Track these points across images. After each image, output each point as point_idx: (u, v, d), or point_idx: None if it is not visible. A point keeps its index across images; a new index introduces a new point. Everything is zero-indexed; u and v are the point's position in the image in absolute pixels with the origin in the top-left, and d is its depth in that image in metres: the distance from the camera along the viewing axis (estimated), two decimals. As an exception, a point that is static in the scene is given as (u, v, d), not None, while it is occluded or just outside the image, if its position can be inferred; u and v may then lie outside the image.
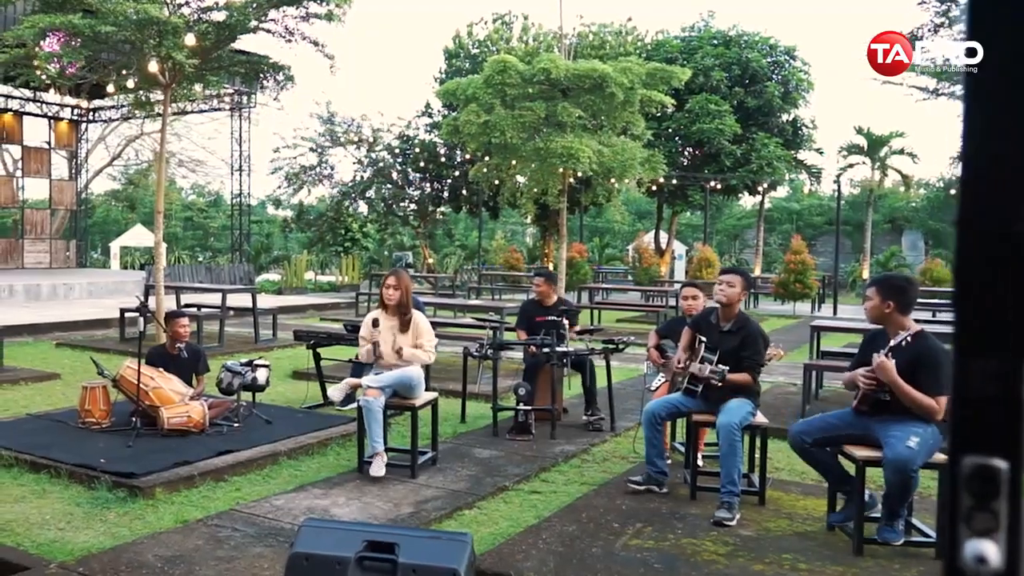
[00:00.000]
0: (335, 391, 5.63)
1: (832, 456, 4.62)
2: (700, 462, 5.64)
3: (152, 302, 11.21)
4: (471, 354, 7.32)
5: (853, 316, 17.97)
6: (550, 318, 7.18)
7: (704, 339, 5.26)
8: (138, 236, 28.88)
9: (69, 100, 23.18)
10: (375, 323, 5.82)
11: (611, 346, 7.19)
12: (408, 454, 5.75)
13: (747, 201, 40.81)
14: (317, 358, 7.95)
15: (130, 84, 9.61)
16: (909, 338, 4.28)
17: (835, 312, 18.51)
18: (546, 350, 6.88)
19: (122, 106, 22.90)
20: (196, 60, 8.72)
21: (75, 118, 25.48)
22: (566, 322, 7.12)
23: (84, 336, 12.62)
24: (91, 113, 25.65)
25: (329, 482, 5.53)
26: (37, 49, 8.34)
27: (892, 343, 4.26)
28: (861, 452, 4.37)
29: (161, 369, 6.68)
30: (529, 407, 6.78)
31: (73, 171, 26.10)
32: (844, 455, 4.56)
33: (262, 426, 6.61)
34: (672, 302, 14.56)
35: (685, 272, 27.15)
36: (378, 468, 5.48)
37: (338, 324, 12.71)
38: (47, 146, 25.03)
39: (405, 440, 6.46)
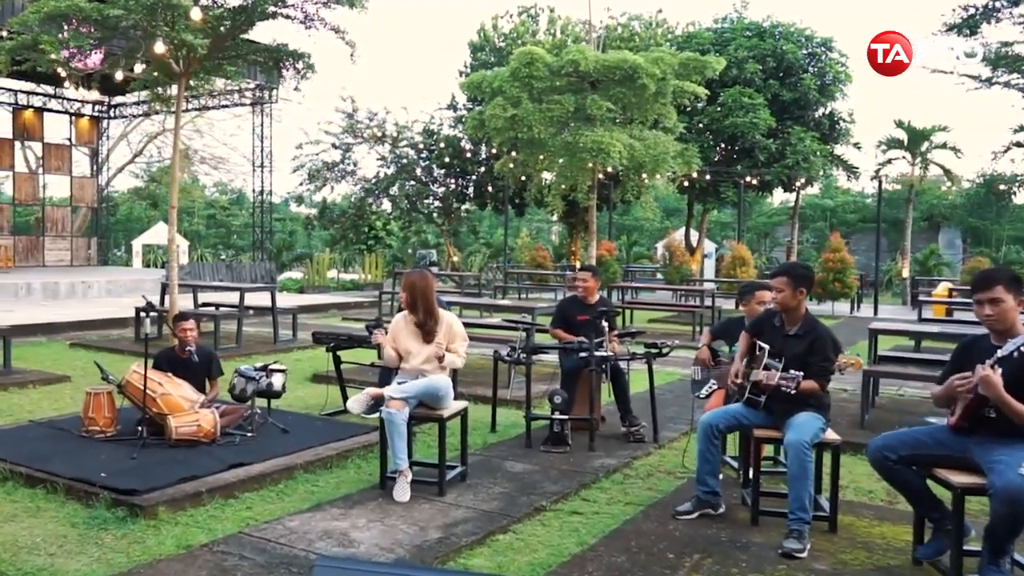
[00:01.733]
0: (355, 403, 5.12)
1: (920, 477, 4.03)
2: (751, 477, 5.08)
3: (167, 301, 10.82)
4: (502, 358, 6.79)
5: (894, 316, 17.28)
6: (591, 318, 6.63)
7: (766, 345, 4.69)
8: (160, 234, 28.65)
9: (90, 96, 22.92)
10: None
11: (654, 350, 6.62)
12: (435, 468, 5.23)
13: (776, 198, 39.98)
14: (337, 362, 7.46)
15: (139, 69, 9.15)
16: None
17: (876, 312, 17.79)
18: (584, 354, 6.34)
19: (143, 102, 22.59)
20: (207, 41, 8.25)
21: (96, 114, 25.24)
22: (605, 324, 6.57)
23: (99, 336, 12.23)
24: (112, 109, 25.40)
25: (349, 500, 5.02)
26: (45, 36, 7.95)
27: (1000, 353, 3.65)
28: (959, 478, 3.78)
29: (170, 374, 6.23)
30: (566, 416, 6.24)
31: (94, 168, 25.87)
32: (934, 479, 3.98)
33: (277, 435, 6.14)
34: (708, 302, 13.94)
35: (716, 271, 26.46)
36: (402, 491, 4.96)
37: (360, 324, 12.24)
38: (68, 143, 24.81)
39: (431, 451, 5.97)
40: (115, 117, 26.08)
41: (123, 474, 5.12)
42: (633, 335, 7.05)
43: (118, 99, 24.65)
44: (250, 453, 5.65)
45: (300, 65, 10.17)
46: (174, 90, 10.49)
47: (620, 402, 6.71)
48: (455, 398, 5.49)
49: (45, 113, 23.97)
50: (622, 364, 6.67)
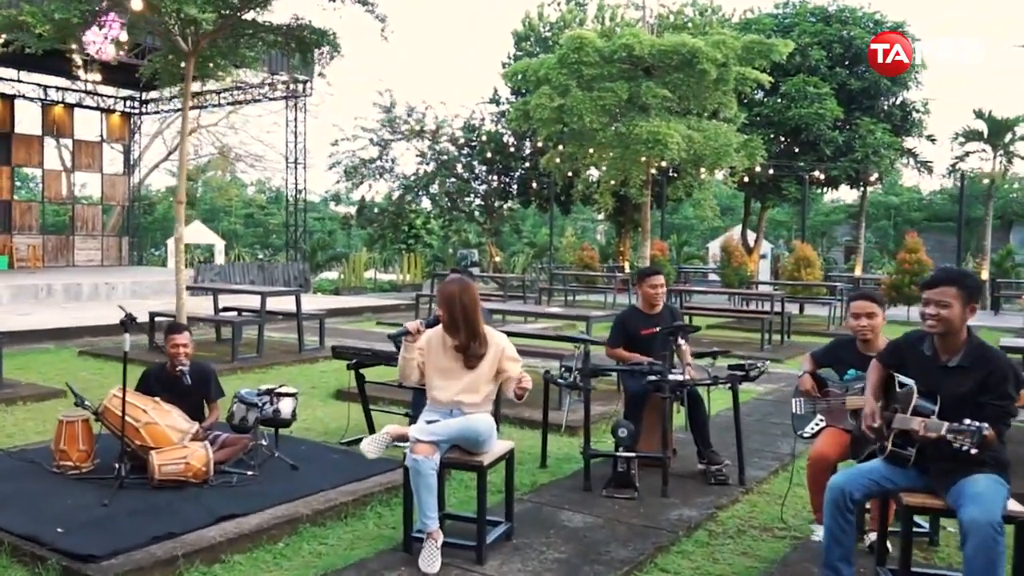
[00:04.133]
0: (371, 445, 3.98)
1: None
2: (889, 548, 3.90)
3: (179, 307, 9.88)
4: (555, 381, 5.64)
5: (979, 321, 15.79)
6: (659, 332, 5.46)
7: (910, 380, 3.49)
8: (195, 233, 27.98)
9: (121, 92, 22.28)
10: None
11: (739, 372, 5.41)
12: (473, 524, 4.10)
13: (830, 197, 38.13)
14: (361, 381, 6.37)
15: (124, 37, 8.19)
16: None
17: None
18: (654, 377, 5.16)
19: (175, 97, 21.83)
20: (213, 15, 7.24)
21: (128, 110, 24.58)
22: (682, 342, 5.38)
23: (113, 342, 11.32)
24: (144, 106, 24.72)
25: (363, 569, 3.92)
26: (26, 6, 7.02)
27: None
28: None
29: (158, 399, 5.18)
30: (632, 453, 5.07)
31: (127, 166, 25.24)
32: None
33: (285, 473, 5.09)
34: (779, 307, 12.63)
35: (773, 273, 24.98)
36: (430, 560, 3.82)
37: (395, 330, 11.19)
38: (99, 139, 24.19)
39: (469, 494, 4.87)
40: (147, 113, 25.43)
41: (86, 528, 4.13)
42: (715, 354, 5.83)
43: (153, 94, 23.95)
44: (247, 499, 4.61)
45: (325, 47, 9.11)
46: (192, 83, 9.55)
47: (698, 435, 5.54)
48: (497, 427, 4.33)
49: (76, 109, 23.37)
50: (700, 390, 5.49)
